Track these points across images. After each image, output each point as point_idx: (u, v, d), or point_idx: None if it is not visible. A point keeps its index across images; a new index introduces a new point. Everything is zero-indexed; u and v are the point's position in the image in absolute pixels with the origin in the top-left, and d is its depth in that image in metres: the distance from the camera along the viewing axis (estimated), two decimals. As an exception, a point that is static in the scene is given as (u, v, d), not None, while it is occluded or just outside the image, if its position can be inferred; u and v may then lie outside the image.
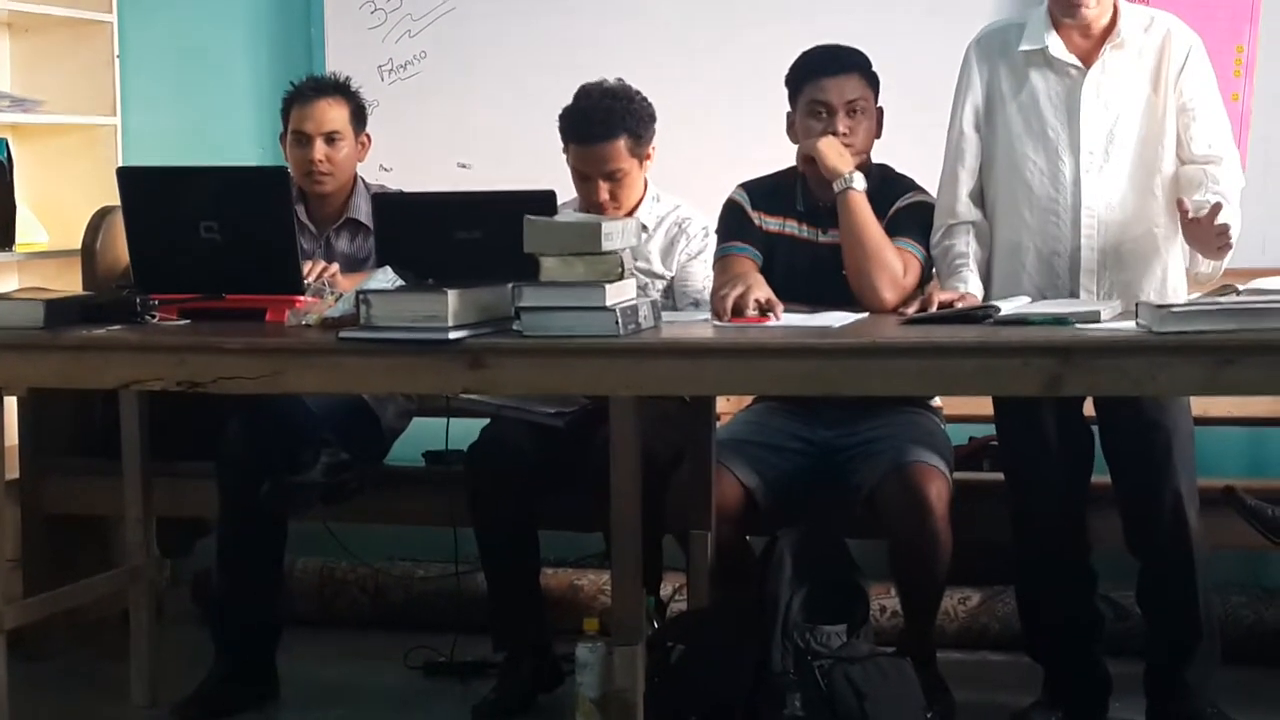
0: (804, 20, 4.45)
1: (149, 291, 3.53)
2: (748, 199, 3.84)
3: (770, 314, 3.39)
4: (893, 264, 3.62)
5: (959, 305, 3.40)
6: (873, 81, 3.78)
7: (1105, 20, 3.52)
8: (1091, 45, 3.53)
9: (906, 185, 3.81)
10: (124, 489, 3.95)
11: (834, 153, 3.68)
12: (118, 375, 3.41)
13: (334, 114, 4.13)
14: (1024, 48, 3.56)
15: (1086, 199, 3.51)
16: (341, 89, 4.18)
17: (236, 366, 3.26)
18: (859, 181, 3.66)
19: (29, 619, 3.82)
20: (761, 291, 3.44)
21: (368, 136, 4.23)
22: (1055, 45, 3.53)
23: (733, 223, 3.83)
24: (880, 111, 3.79)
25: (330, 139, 4.13)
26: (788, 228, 3.82)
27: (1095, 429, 3.64)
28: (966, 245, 3.61)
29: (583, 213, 3.90)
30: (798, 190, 3.82)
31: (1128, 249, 3.51)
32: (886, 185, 3.78)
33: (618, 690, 3.32)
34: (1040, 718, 3.65)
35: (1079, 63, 3.52)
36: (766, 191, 3.85)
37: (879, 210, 3.70)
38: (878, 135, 3.80)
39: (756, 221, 3.81)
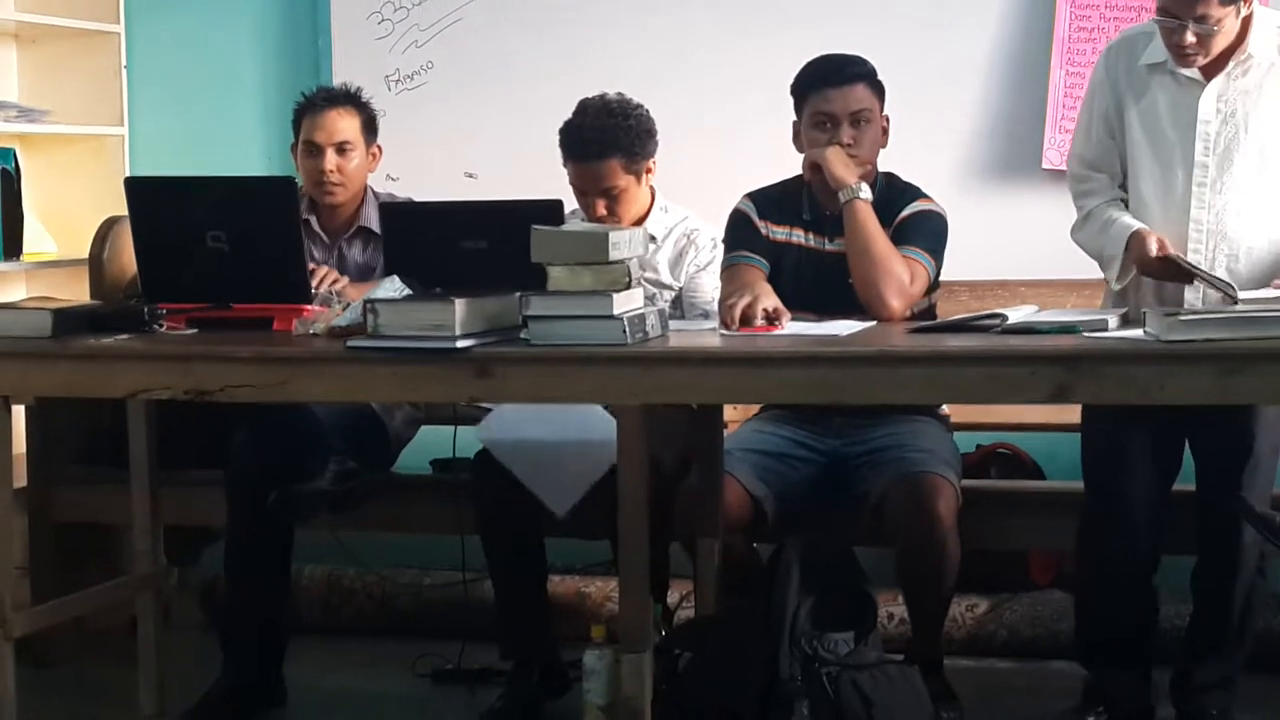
0: (810, 29, 4.46)
1: (156, 301, 3.53)
2: (754, 208, 3.84)
3: (777, 323, 3.39)
4: (899, 273, 3.63)
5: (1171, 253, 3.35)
6: (878, 90, 3.78)
7: (1233, 37, 3.42)
8: (1218, 59, 3.44)
9: (913, 194, 3.81)
10: (131, 497, 3.95)
11: (839, 163, 3.68)
12: (125, 384, 3.41)
13: (345, 124, 4.14)
14: (1145, 61, 3.51)
15: (1195, 213, 3.46)
16: (353, 99, 4.19)
17: (244, 375, 3.26)
18: (865, 191, 3.67)
19: (36, 627, 3.81)
20: (769, 300, 3.44)
21: (379, 147, 4.23)
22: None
23: (739, 232, 3.83)
24: (887, 120, 3.79)
25: (342, 149, 4.13)
26: (794, 237, 3.82)
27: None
28: (1109, 206, 3.54)
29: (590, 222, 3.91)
30: (804, 199, 3.82)
31: (1239, 265, 3.47)
32: (892, 193, 3.79)
33: (625, 697, 3.32)
34: None
35: (1200, 77, 3.45)
36: (773, 201, 3.85)
37: (885, 218, 3.70)
38: (884, 144, 3.80)
39: (763, 231, 3.82)
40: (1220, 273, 3.45)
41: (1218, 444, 3.52)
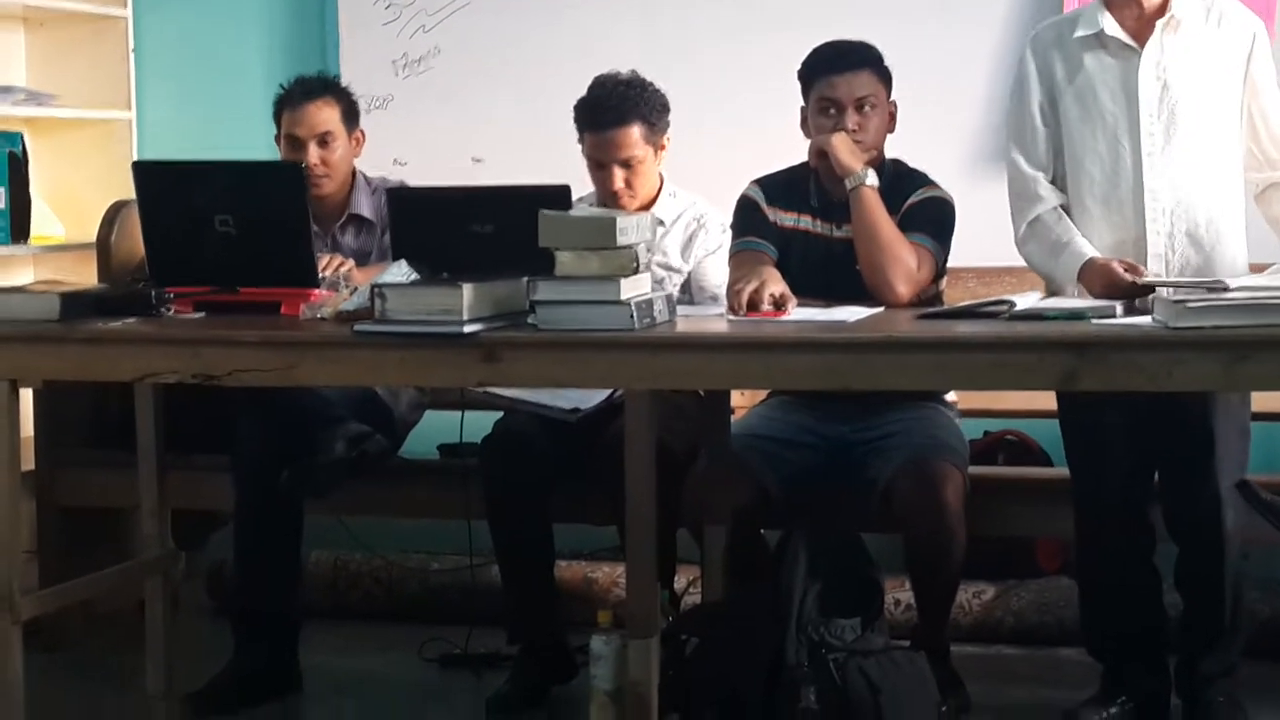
0: (818, 17, 4.44)
1: (164, 284, 3.54)
2: (762, 195, 3.84)
3: (784, 308, 3.39)
4: (906, 259, 3.63)
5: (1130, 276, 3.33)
6: (884, 76, 3.77)
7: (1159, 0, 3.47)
8: (1145, 25, 3.47)
9: (920, 180, 3.80)
10: (139, 481, 3.95)
11: (845, 149, 3.68)
12: (133, 368, 3.41)
13: (325, 115, 4.11)
14: (1079, 34, 3.52)
15: (1149, 182, 3.46)
16: (331, 88, 4.16)
17: (251, 359, 3.27)
18: (871, 178, 3.66)
19: (45, 610, 3.83)
20: (776, 286, 3.44)
21: (361, 133, 4.20)
22: (1110, 26, 3.49)
23: (747, 218, 3.83)
24: (894, 105, 3.79)
25: (324, 141, 4.10)
26: (802, 223, 3.82)
27: None
28: (1060, 226, 3.53)
29: (599, 206, 3.91)
30: (811, 186, 3.82)
31: (1200, 232, 3.47)
32: (899, 180, 3.78)
33: (632, 683, 3.32)
34: (1092, 714, 3.61)
35: (1134, 43, 3.47)
36: (780, 187, 3.85)
37: (892, 205, 3.70)
38: (891, 130, 3.79)
39: (771, 217, 3.81)
40: (1181, 239, 3.45)
41: (1183, 433, 3.50)
